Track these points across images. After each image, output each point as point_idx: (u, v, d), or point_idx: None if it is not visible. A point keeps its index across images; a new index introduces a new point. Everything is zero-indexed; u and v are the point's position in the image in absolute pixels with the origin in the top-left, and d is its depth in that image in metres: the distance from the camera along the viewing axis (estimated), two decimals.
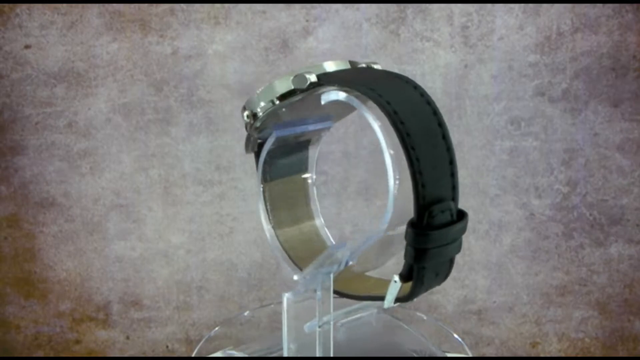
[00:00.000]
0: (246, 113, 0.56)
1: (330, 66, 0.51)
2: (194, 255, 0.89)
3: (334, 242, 0.62)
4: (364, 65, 0.54)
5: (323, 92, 0.50)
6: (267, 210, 0.59)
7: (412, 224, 0.45)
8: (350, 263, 0.54)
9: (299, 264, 0.59)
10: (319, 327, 0.55)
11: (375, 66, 0.54)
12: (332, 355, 0.56)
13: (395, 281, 0.49)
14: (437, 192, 0.45)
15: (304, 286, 0.55)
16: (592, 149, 0.84)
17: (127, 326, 0.91)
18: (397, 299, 0.50)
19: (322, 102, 0.50)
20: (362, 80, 0.49)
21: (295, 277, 0.56)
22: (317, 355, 0.56)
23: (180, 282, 0.90)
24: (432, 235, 0.46)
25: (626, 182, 0.85)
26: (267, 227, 0.59)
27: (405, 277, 0.48)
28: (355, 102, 0.48)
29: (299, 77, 0.51)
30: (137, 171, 0.86)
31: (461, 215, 0.47)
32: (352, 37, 0.82)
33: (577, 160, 0.85)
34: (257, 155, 0.59)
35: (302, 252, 0.60)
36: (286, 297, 0.55)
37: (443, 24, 0.82)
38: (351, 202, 0.87)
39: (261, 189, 0.58)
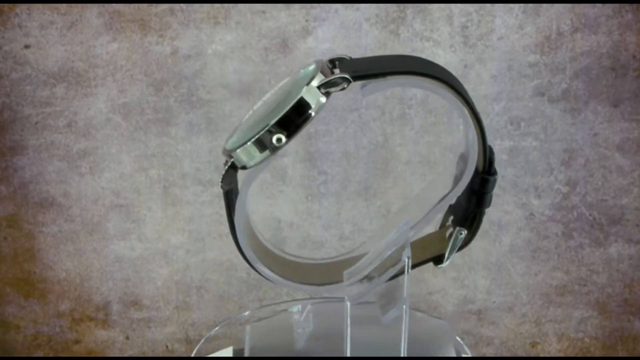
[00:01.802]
0: (276, 137, 0.48)
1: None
2: (193, 255, 0.89)
3: (273, 247, 0.60)
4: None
5: (365, 86, 0.50)
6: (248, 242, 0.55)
7: (480, 172, 0.53)
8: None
9: (294, 279, 0.58)
10: (405, 306, 0.56)
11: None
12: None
13: (462, 234, 0.55)
14: (488, 143, 0.53)
15: (371, 283, 0.55)
16: (591, 149, 0.84)
17: (127, 326, 0.91)
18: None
19: (364, 96, 0.51)
20: (395, 65, 0.52)
21: (348, 280, 0.56)
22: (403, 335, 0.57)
23: (180, 282, 0.90)
24: (493, 179, 0.54)
25: (626, 182, 0.85)
26: (258, 264, 0.55)
27: (465, 224, 0.55)
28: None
29: (335, 81, 0.49)
30: (137, 171, 0.86)
31: None
32: (351, 37, 0.82)
33: (576, 160, 0.85)
34: (232, 189, 0.52)
35: (285, 272, 0.59)
36: (349, 304, 0.56)
37: (443, 24, 0.82)
38: (351, 202, 0.87)
39: (244, 223, 0.53)
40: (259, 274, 0.55)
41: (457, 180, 0.55)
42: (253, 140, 0.48)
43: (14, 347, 0.92)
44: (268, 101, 0.53)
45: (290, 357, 0.60)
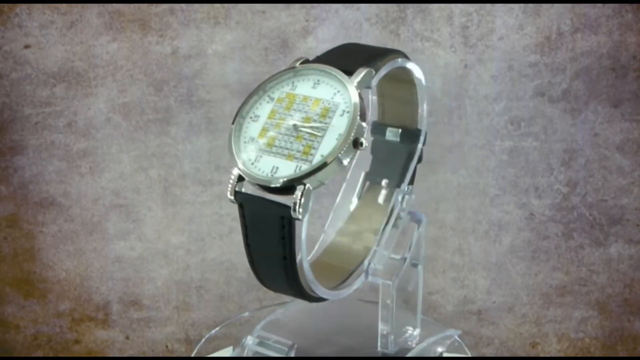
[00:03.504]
0: (360, 141, 0.49)
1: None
2: (193, 255, 0.89)
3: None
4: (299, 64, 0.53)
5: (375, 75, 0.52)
6: None
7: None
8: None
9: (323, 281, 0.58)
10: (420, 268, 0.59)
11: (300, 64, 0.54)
12: None
13: (409, 188, 0.59)
14: None
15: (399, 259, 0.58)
16: (592, 149, 0.84)
17: (127, 326, 0.91)
18: None
19: (374, 84, 0.53)
20: (376, 51, 0.55)
21: (374, 264, 0.57)
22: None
23: (180, 282, 0.90)
24: (425, 133, 0.60)
25: (626, 182, 0.85)
26: (318, 288, 0.55)
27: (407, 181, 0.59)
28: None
29: (366, 74, 0.50)
30: (137, 171, 0.86)
31: None
32: (352, 37, 0.82)
33: (577, 161, 0.85)
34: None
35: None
36: (394, 284, 0.56)
37: (443, 24, 0.82)
38: None
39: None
40: (311, 298, 0.55)
41: (385, 143, 0.60)
42: (338, 157, 0.48)
43: (14, 347, 0.92)
44: (273, 111, 0.52)
45: (291, 357, 0.59)
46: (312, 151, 0.49)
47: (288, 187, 0.48)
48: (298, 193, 0.47)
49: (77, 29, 0.82)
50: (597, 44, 0.82)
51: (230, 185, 0.50)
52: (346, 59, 0.52)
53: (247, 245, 0.53)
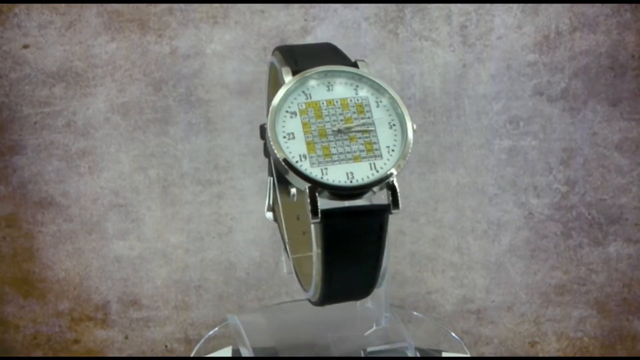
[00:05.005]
0: (413, 126, 0.51)
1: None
2: (192, 255, 0.89)
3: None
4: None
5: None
6: None
7: None
8: None
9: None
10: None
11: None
12: None
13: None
14: None
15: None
16: (590, 148, 0.84)
17: (126, 326, 0.91)
18: None
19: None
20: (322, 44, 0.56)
21: None
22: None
23: (179, 282, 0.90)
24: None
25: (625, 181, 0.85)
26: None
27: None
28: None
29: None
30: (136, 171, 0.86)
31: None
32: (350, 36, 0.82)
33: (575, 160, 0.85)
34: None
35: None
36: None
37: (442, 23, 0.82)
38: None
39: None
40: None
41: None
42: (411, 147, 0.49)
43: (13, 346, 0.92)
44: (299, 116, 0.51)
45: (291, 357, 0.59)
46: (375, 145, 0.49)
47: (372, 187, 0.49)
48: (392, 186, 0.49)
49: (75, 29, 0.82)
50: (596, 43, 0.82)
51: (310, 206, 0.48)
52: (339, 55, 0.53)
53: (330, 263, 0.50)
